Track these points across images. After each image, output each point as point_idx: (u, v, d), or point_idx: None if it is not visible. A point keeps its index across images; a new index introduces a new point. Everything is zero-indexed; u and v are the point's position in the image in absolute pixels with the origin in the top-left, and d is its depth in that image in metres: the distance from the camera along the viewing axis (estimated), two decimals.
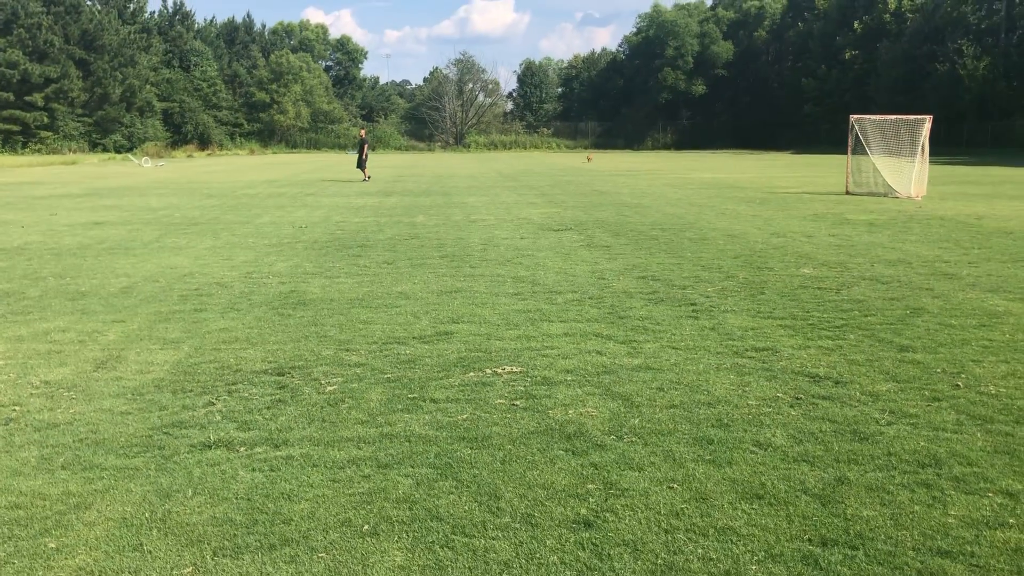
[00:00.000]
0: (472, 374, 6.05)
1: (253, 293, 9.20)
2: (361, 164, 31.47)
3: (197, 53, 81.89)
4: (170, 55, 79.93)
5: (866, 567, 3.43)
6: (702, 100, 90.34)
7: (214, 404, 5.44)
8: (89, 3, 72.62)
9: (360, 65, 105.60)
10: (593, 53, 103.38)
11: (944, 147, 53.22)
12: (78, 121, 66.66)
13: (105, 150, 65.35)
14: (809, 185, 27.28)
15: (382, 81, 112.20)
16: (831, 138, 65.52)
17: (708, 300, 8.63)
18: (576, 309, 8.26)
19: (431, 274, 10.36)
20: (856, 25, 74.24)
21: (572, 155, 71.37)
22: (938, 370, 6.05)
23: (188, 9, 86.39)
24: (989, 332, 7.15)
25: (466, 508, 3.97)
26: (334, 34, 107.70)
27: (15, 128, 62.83)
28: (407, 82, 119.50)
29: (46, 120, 64.25)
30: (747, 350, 6.65)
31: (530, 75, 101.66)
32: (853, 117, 24.48)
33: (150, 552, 3.59)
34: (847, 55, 74.64)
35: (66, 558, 3.55)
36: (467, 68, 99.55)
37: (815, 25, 79.96)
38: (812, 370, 6.09)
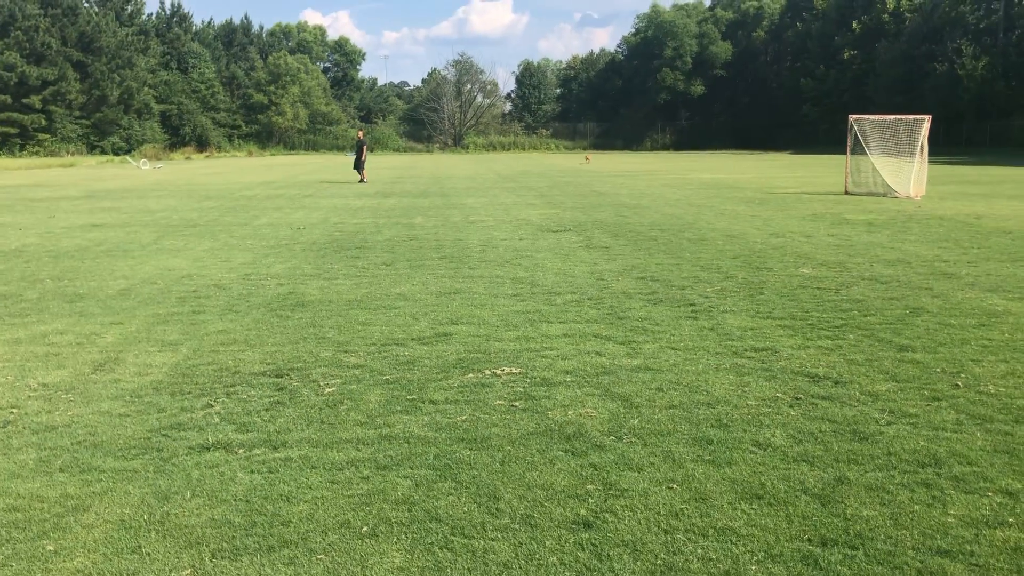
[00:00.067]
0: (471, 375, 6.05)
1: (251, 295, 9.19)
2: (359, 165, 31.46)
3: (195, 55, 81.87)
4: (168, 57, 79.90)
5: (866, 567, 3.43)
6: (701, 100, 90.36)
7: (212, 406, 5.43)
8: (87, 5, 72.61)
9: (358, 66, 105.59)
10: (592, 54, 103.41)
11: (943, 147, 53.33)
12: (76, 123, 66.64)
13: (103, 152, 65.31)
14: (808, 185, 27.30)
15: (380, 82, 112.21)
16: (830, 138, 65.59)
17: (707, 300, 8.63)
18: (575, 310, 8.26)
19: (430, 275, 10.35)
20: (855, 25, 74.30)
21: (571, 156, 71.40)
22: (937, 370, 6.05)
23: (186, 11, 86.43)
24: (988, 331, 7.15)
25: (465, 509, 3.96)
26: (332, 35, 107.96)
27: (13, 130, 62.80)
28: (405, 83, 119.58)
29: (44, 122, 64.22)
30: (746, 350, 6.64)
31: (528, 76, 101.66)
32: (852, 117, 24.50)
33: (148, 554, 3.58)
34: (846, 55, 74.69)
35: (64, 560, 3.54)
36: (465, 69, 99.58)
37: (814, 25, 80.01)
38: (811, 370, 6.08)
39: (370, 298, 8.93)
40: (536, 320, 7.79)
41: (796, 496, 4.05)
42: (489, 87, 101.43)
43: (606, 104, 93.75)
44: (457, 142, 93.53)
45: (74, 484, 4.27)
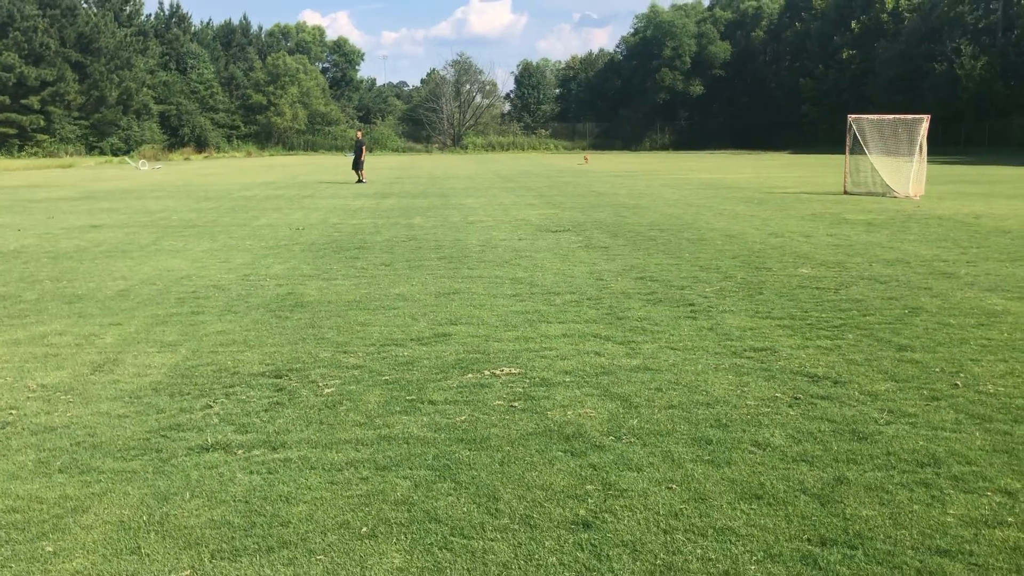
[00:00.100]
0: (470, 376, 6.05)
1: (250, 295, 9.18)
2: (358, 166, 31.46)
3: (194, 55, 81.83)
4: (167, 58, 79.86)
5: (865, 567, 3.43)
6: (700, 100, 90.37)
7: (212, 407, 5.43)
8: (85, 6, 72.56)
9: (357, 67, 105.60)
10: (591, 54, 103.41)
11: (942, 146, 53.34)
12: (74, 124, 66.60)
13: (102, 153, 65.27)
14: (807, 185, 27.31)
15: (379, 83, 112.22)
16: (829, 138, 65.63)
17: (706, 300, 8.63)
18: (574, 310, 8.26)
19: (429, 276, 10.35)
20: (853, 25, 74.33)
21: (570, 156, 71.41)
22: (937, 369, 6.05)
23: (184, 12, 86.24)
24: (987, 331, 7.15)
25: (465, 510, 3.96)
26: (331, 36, 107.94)
27: (11, 131, 62.77)
28: (404, 84, 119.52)
29: (42, 123, 64.18)
30: (745, 350, 6.65)
31: (527, 76, 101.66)
32: (851, 117, 24.51)
33: (148, 555, 3.58)
34: (845, 55, 74.73)
35: (63, 562, 3.54)
36: (464, 69, 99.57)
37: (812, 25, 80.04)
38: (811, 370, 6.09)
39: (369, 298, 8.93)
40: (535, 320, 7.79)
41: (795, 496, 4.05)
42: (488, 87, 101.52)
43: (605, 104, 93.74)
44: (456, 142, 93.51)
45: (73, 485, 4.27)
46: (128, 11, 78.07)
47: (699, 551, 3.56)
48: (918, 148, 21.97)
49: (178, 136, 75.34)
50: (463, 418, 5.17)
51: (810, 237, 13.65)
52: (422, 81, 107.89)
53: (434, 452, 4.64)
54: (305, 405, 5.45)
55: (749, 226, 15.31)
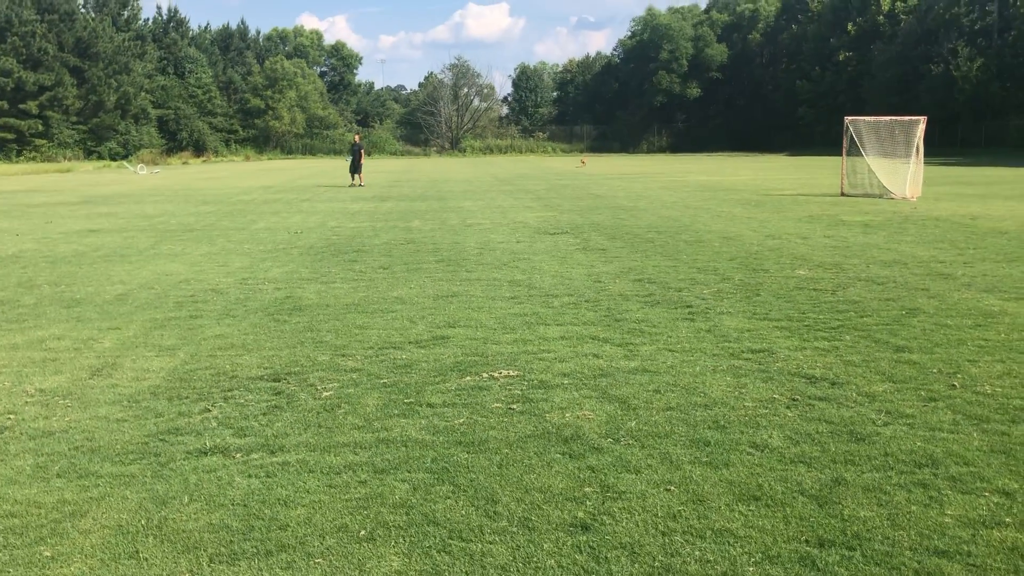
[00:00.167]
0: (469, 378, 6.05)
1: (249, 299, 9.18)
2: (357, 169, 31.46)
3: (192, 60, 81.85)
4: (165, 62, 79.86)
5: (863, 567, 3.43)
6: (697, 103, 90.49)
7: (210, 411, 5.43)
8: (83, 11, 72.56)
9: (355, 70, 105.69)
10: (588, 57, 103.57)
11: (938, 148, 53.42)
12: (73, 129, 66.54)
13: (100, 157, 65.22)
14: (804, 187, 27.34)
15: (377, 86, 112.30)
16: (826, 140, 65.69)
17: (704, 302, 8.64)
18: (572, 312, 8.26)
19: (427, 279, 10.36)
20: (850, 27, 74.46)
21: (567, 159, 71.47)
22: (934, 370, 6.06)
23: (182, 16, 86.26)
24: (985, 332, 7.16)
25: (463, 512, 3.96)
26: (329, 40, 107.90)
27: (9, 136, 62.70)
28: (402, 87, 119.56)
29: (41, 128, 64.13)
30: (743, 352, 6.65)
31: (525, 79, 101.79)
32: (848, 118, 24.54)
33: (146, 559, 3.58)
34: (841, 57, 74.86)
35: (62, 566, 3.54)
36: (462, 73, 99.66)
37: (809, 27, 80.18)
38: (808, 371, 6.09)
39: (367, 302, 8.93)
40: (533, 323, 7.80)
41: (793, 497, 4.06)
42: (486, 91, 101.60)
43: (602, 107, 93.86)
44: (454, 145, 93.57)
45: (71, 490, 4.26)
46: (126, 16, 78.09)
47: (697, 553, 3.57)
48: (915, 149, 22.00)
49: (176, 140, 75.33)
50: (461, 421, 5.17)
51: (807, 239, 13.66)
52: (420, 85, 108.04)
53: (432, 455, 4.64)
54: (303, 408, 5.45)
55: (746, 228, 15.33)
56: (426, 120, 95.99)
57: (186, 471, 4.47)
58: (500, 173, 43.09)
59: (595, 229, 15.66)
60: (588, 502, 4.04)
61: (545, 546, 3.64)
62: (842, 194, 23.34)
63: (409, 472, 4.42)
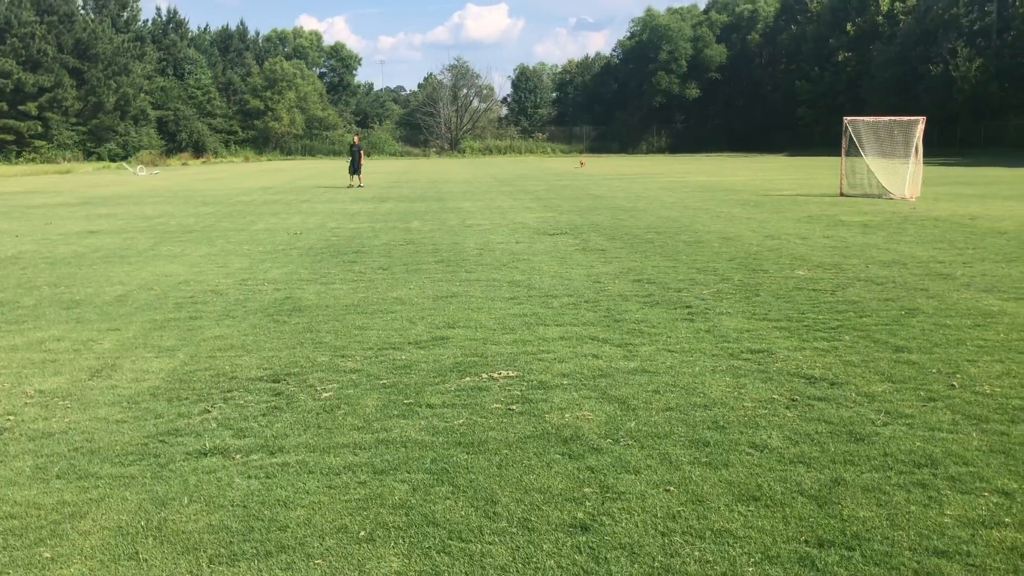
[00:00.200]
0: (468, 379, 6.05)
1: (248, 300, 9.19)
2: (356, 169, 31.47)
3: (191, 61, 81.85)
4: (164, 63, 79.87)
5: (863, 568, 3.43)
6: (696, 103, 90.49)
7: (210, 412, 5.43)
8: (82, 12, 72.55)
9: (354, 71, 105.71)
10: (587, 58, 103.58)
11: (937, 148, 53.45)
12: (72, 130, 66.55)
13: (100, 159, 65.20)
14: (803, 187, 27.35)
15: (376, 87, 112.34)
16: (825, 140, 65.69)
17: (703, 302, 8.64)
18: (572, 313, 8.26)
19: (426, 279, 10.36)
20: (849, 27, 74.48)
21: (567, 159, 71.49)
22: (933, 370, 6.07)
23: (182, 17, 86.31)
24: (984, 332, 7.17)
25: (463, 513, 3.96)
26: (328, 41, 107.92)
27: (9, 137, 62.69)
28: (401, 88, 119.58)
29: (40, 129, 64.12)
30: (743, 352, 6.66)
31: (524, 80, 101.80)
32: (847, 119, 24.56)
33: (146, 560, 3.58)
34: (840, 57, 74.86)
35: (61, 568, 3.54)
36: (461, 74, 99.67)
37: (808, 28, 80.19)
38: (808, 371, 6.10)
39: (367, 302, 8.93)
40: (533, 323, 7.80)
41: (793, 497, 4.06)
42: (485, 91, 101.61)
43: (602, 108, 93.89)
44: (453, 146, 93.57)
45: (71, 491, 4.26)
46: (125, 17, 78.08)
47: (697, 553, 3.57)
48: (914, 150, 22.01)
49: (176, 141, 75.33)
50: (461, 421, 5.18)
51: (806, 239, 13.67)
52: (419, 86, 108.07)
53: (432, 456, 4.64)
54: (303, 409, 5.45)
55: (746, 228, 15.33)
56: (425, 121, 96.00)
57: (186, 472, 4.47)
58: (499, 174, 43.09)
59: (594, 230, 15.67)
60: (587, 503, 4.04)
61: (545, 547, 3.64)
62: (841, 194, 23.35)
63: (409, 473, 4.42)
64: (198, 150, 76.00)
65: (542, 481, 4.29)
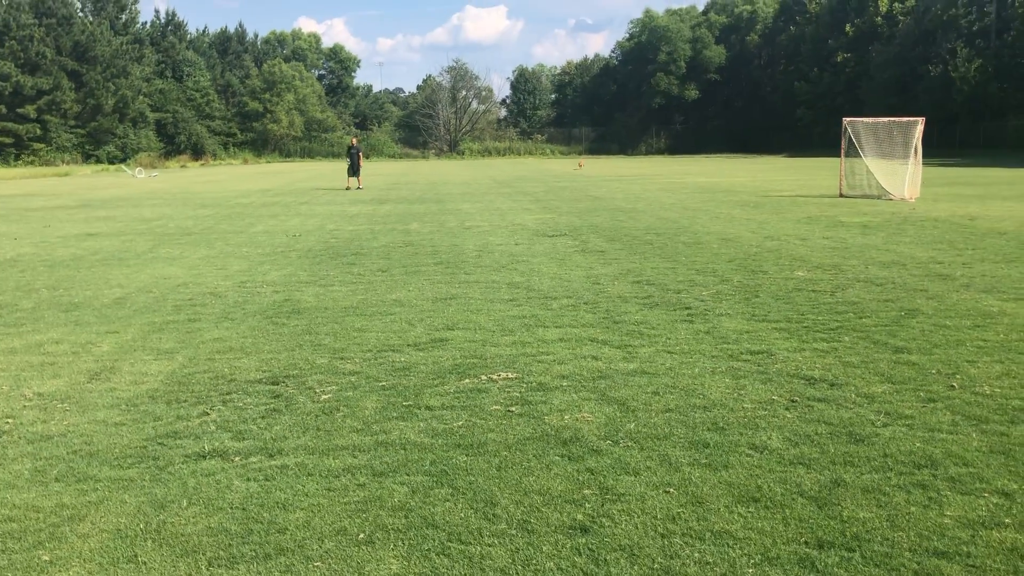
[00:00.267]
0: (467, 381, 6.05)
1: (247, 302, 9.18)
2: (355, 171, 31.47)
3: (190, 63, 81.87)
4: (163, 65, 79.88)
5: (863, 569, 3.43)
6: (695, 105, 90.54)
7: (208, 414, 5.42)
8: (81, 15, 72.58)
9: (353, 73, 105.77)
10: (586, 59, 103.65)
11: (937, 149, 53.46)
12: (71, 132, 66.55)
13: (98, 161, 65.21)
14: (803, 188, 27.36)
15: (375, 89, 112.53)
16: (824, 141, 65.72)
17: (703, 304, 8.64)
18: (571, 314, 8.26)
19: (426, 281, 10.35)
20: (848, 28, 74.55)
21: (566, 161, 71.51)
22: (933, 371, 6.06)
23: (180, 19, 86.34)
24: (983, 332, 7.16)
25: (462, 515, 3.96)
26: (327, 43, 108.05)
27: (7, 140, 62.69)
28: (400, 90, 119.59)
29: (39, 132, 64.12)
30: (742, 353, 6.65)
31: (523, 81, 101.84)
32: (846, 120, 24.57)
33: (145, 563, 3.57)
34: (839, 58, 74.93)
35: (60, 571, 3.53)
36: (460, 75, 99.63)
37: (807, 29, 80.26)
38: (807, 372, 6.09)
39: (366, 304, 8.93)
40: (532, 325, 7.80)
41: (793, 499, 4.06)
42: (484, 93, 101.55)
43: (601, 109, 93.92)
44: (452, 148, 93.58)
45: (70, 494, 4.26)
46: (124, 19, 78.11)
47: (697, 555, 3.56)
48: (913, 150, 22.02)
49: (174, 144, 75.34)
50: (460, 423, 5.17)
51: (806, 240, 13.67)
52: (418, 87, 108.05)
53: (431, 458, 4.64)
54: (302, 412, 5.44)
55: (745, 229, 15.33)
56: (424, 123, 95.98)
57: (184, 475, 4.46)
58: (498, 175, 43.10)
59: (594, 231, 15.67)
60: (587, 504, 4.04)
61: (544, 548, 3.64)
62: (841, 195, 23.36)
63: (408, 475, 4.42)
64: (197, 152, 75.99)
65: (542, 483, 4.29)
